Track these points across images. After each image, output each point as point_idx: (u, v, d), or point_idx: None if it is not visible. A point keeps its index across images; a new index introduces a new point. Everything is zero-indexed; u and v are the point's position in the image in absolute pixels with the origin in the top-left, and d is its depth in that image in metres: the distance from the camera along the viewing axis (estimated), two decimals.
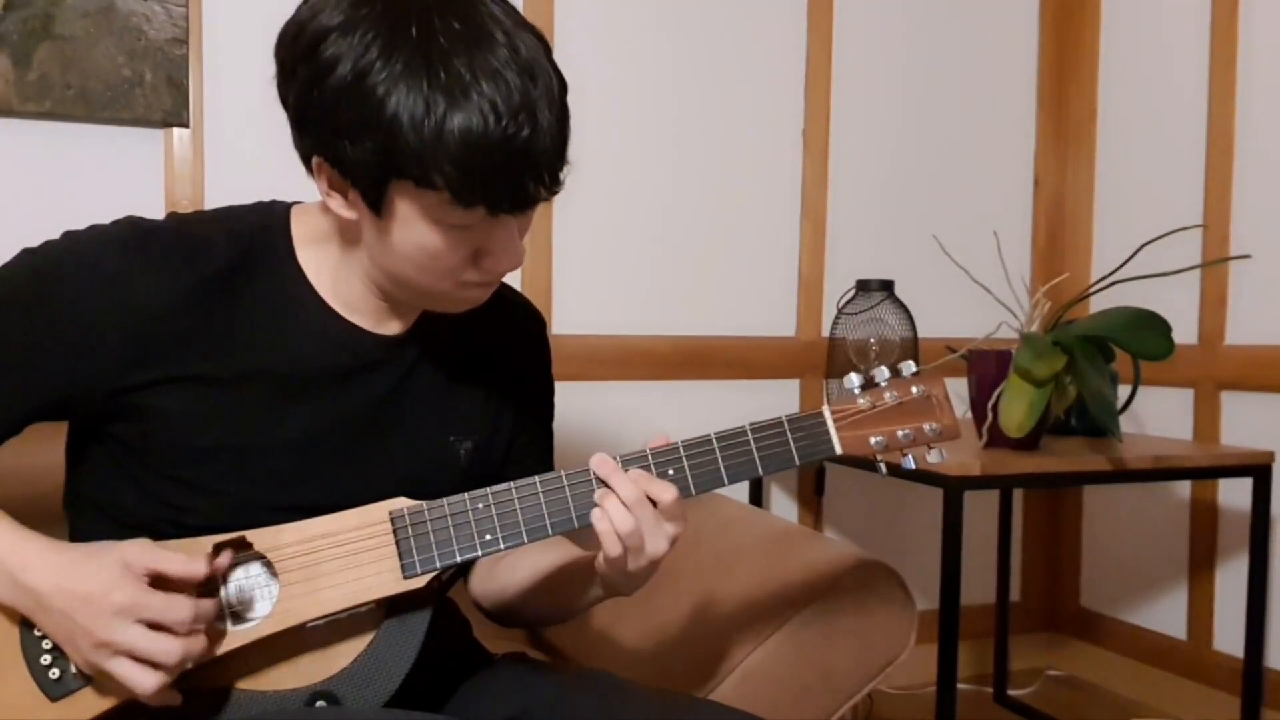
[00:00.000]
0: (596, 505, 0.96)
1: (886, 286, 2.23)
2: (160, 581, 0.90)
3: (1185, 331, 2.36)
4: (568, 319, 2.24)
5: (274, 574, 0.96)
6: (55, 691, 0.93)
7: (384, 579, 0.95)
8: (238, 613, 0.96)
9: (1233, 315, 2.32)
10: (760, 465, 1.01)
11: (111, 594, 0.88)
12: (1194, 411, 2.40)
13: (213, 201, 1.87)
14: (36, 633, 0.94)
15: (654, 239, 2.33)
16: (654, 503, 0.96)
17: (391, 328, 1.04)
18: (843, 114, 2.48)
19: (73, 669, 0.93)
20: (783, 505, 2.47)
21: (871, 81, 2.51)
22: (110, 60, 1.87)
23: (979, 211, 2.62)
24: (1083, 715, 2.45)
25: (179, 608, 0.89)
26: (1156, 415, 2.46)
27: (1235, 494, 2.33)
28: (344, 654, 0.96)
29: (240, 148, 1.98)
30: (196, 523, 0.97)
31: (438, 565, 0.96)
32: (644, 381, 2.32)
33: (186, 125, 1.94)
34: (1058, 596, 2.78)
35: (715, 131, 2.37)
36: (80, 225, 0.99)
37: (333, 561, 0.95)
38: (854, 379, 1.04)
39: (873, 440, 1.03)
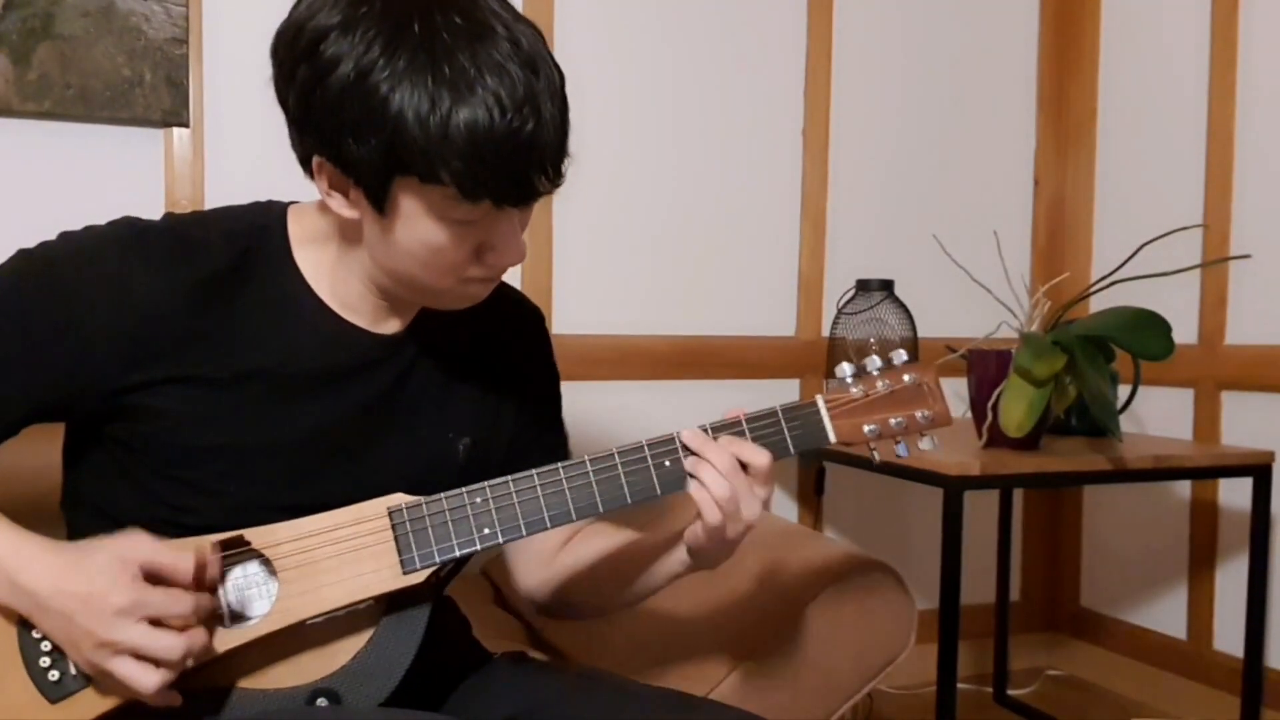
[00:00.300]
0: (692, 475, 0.98)
1: (886, 286, 2.23)
2: (157, 577, 0.90)
3: (1185, 331, 2.36)
4: (567, 318, 2.24)
5: (272, 572, 0.95)
6: (54, 693, 0.93)
7: (383, 575, 0.95)
8: (237, 612, 0.96)
9: (1233, 315, 2.32)
10: None
11: (111, 594, 0.88)
12: (1194, 411, 2.40)
13: (213, 201, 1.87)
14: (35, 634, 0.93)
15: (654, 239, 2.33)
16: (745, 468, 0.98)
17: (389, 327, 1.04)
18: (843, 114, 2.48)
19: (72, 670, 0.93)
20: (782, 505, 2.47)
21: (871, 81, 2.51)
22: (110, 60, 1.87)
23: (979, 211, 2.61)
24: (1083, 715, 2.45)
25: (179, 602, 0.89)
26: (1156, 415, 2.46)
27: (1235, 494, 2.33)
28: (344, 651, 0.96)
29: (240, 148, 1.98)
30: (195, 523, 0.97)
31: (437, 560, 0.96)
32: (643, 381, 2.32)
33: (186, 125, 1.94)
34: (1057, 596, 2.78)
35: (715, 131, 2.37)
36: (80, 225, 0.99)
37: (331, 559, 0.95)
38: (846, 368, 1.06)
39: (866, 428, 1.04)
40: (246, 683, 0.95)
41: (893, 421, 1.05)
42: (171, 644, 0.88)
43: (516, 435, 1.15)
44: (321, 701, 0.95)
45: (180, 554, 0.90)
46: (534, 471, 0.99)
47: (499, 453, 1.13)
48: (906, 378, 1.06)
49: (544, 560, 1.20)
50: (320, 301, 1.02)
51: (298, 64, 0.89)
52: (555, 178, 0.91)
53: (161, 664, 0.88)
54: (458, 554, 0.97)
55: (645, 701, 1.08)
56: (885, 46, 2.52)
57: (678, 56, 2.33)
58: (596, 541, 1.17)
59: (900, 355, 1.06)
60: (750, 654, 1.39)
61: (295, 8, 0.91)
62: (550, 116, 0.88)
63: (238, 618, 0.95)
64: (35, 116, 1.85)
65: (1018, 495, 2.69)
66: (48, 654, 0.93)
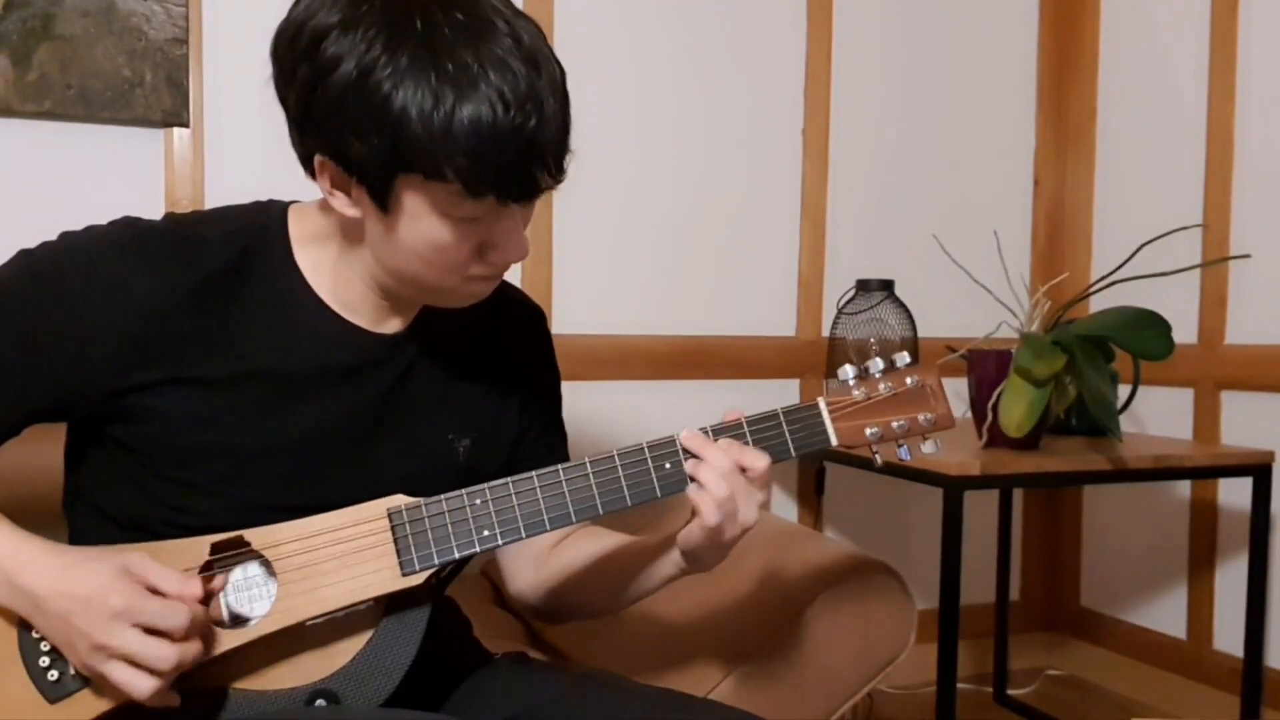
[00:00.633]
0: (692, 478, 0.98)
1: (886, 286, 2.23)
2: (158, 591, 0.90)
3: (1185, 331, 2.36)
4: (567, 318, 2.24)
5: (272, 573, 0.95)
6: (54, 693, 0.93)
7: (382, 576, 0.95)
8: (237, 612, 0.95)
9: (1233, 315, 2.32)
10: None
11: (109, 597, 0.88)
12: (1194, 411, 2.40)
13: (213, 201, 1.87)
14: (35, 635, 0.93)
15: (654, 238, 2.33)
16: (743, 471, 0.98)
17: (390, 326, 1.04)
18: (843, 114, 2.48)
19: (71, 671, 0.93)
20: (783, 505, 2.47)
21: (871, 81, 2.51)
22: (110, 60, 1.87)
23: (979, 211, 2.62)
24: (1083, 715, 2.45)
25: (175, 614, 0.89)
26: (1156, 415, 2.46)
27: (1235, 494, 2.33)
28: (343, 652, 0.96)
29: (240, 148, 1.98)
30: (196, 523, 0.97)
31: (436, 562, 0.96)
32: (643, 381, 2.32)
33: (186, 125, 1.94)
34: (1057, 596, 2.78)
35: (715, 131, 2.37)
36: (80, 225, 0.99)
37: (331, 560, 0.95)
38: (848, 370, 1.05)
39: (868, 431, 1.04)
40: (246, 683, 0.95)
41: (895, 424, 1.04)
42: (164, 654, 0.88)
43: (518, 435, 1.15)
44: (321, 702, 0.95)
45: (182, 580, 0.90)
46: (534, 473, 0.98)
47: (500, 453, 1.13)
48: (909, 380, 1.05)
49: (535, 563, 1.19)
50: (321, 301, 1.01)
51: (298, 63, 0.89)
52: (558, 173, 0.92)
53: (154, 672, 0.88)
54: (457, 556, 0.97)
55: (645, 701, 1.07)
56: (885, 46, 2.52)
57: (678, 56, 2.33)
58: (588, 545, 1.16)
59: (903, 357, 1.06)
60: (750, 654, 1.39)
61: (295, 7, 0.91)
62: (553, 112, 0.88)
63: (237, 618, 0.95)
64: (35, 117, 1.85)
65: (1018, 495, 2.69)
66: (47, 654, 0.93)
